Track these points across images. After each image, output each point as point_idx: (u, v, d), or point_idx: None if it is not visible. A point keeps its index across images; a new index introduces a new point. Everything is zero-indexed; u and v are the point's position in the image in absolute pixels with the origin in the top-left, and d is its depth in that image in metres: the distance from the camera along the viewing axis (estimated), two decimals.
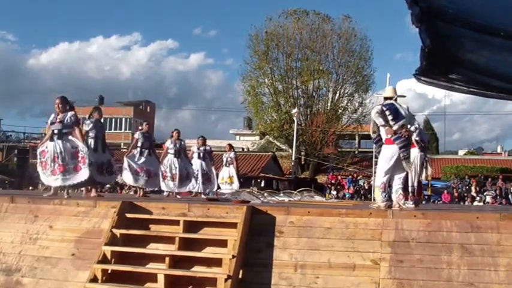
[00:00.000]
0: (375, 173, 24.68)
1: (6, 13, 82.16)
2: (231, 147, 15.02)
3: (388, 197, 6.55)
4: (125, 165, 10.07)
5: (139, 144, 10.30)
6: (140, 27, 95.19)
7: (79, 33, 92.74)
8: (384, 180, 6.51)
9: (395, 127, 6.50)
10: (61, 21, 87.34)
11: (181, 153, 11.48)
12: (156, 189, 12.20)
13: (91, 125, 8.80)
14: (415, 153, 8.06)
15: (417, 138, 8.28)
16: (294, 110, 32.28)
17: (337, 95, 36.45)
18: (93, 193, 8.75)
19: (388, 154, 6.56)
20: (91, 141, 8.67)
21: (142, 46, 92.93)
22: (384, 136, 6.63)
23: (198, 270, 5.55)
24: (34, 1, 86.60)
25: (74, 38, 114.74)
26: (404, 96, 7.77)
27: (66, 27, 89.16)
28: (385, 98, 6.85)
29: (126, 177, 10.13)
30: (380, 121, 6.54)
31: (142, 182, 10.23)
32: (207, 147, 12.69)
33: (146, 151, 10.29)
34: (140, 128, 10.88)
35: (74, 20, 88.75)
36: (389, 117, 6.52)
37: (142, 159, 10.25)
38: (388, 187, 6.60)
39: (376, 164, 23.39)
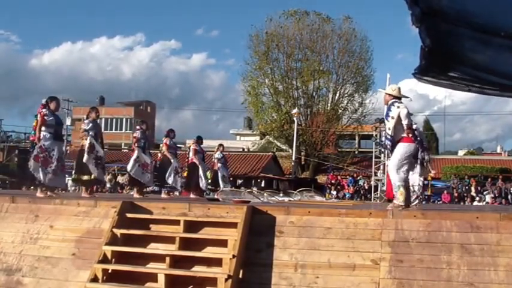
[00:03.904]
0: (375, 173, 24.58)
1: (10, 14, 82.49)
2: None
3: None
4: (135, 156, 10.20)
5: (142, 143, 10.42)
6: (144, 27, 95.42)
7: (83, 34, 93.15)
8: (405, 177, 6.51)
9: (414, 127, 6.64)
10: (65, 22, 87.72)
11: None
12: (156, 189, 12.22)
13: (90, 125, 8.87)
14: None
15: (418, 139, 8.34)
16: (294, 110, 32.31)
17: (337, 95, 36.47)
18: (87, 192, 8.84)
19: (406, 151, 6.55)
20: (92, 140, 8.73)
21: (144, 46, 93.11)
22: (400, 134, 6.59)
23: (199, 270, 5.56)
24: (38, 2, 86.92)
25: (78, 39, 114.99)
26: (407, 97, 7.63)
27: (70, 27, 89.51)
28: (393, 97, 6.78)
29: (132, 168, 10.21)
30: (408, 121, 6.51)
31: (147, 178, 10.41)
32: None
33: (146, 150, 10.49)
34: (138, 127, 10.87)
35: (78, 21, 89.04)
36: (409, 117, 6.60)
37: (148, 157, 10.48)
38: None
39: (376, 164, 23.22)
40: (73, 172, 9.11)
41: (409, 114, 6.58)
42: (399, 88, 6.90)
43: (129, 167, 10.26)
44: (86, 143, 8.65)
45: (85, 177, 8.74)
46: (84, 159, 8.59)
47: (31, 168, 7.87)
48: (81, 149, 8.85)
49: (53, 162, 8.01)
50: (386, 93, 6.87)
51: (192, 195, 12.13)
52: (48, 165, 7.98)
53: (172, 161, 11.35)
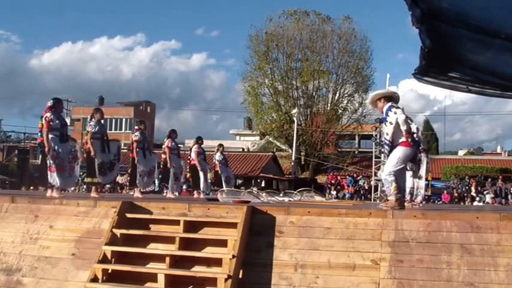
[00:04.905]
0: (375, 173, 24.60)
1: (10, 14, 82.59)
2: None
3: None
4: (139, 171, 10.12)
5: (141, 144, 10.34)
6: (144, 28, 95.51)
7: (83, 34, 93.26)
8: (397, 175, 6.52)
9: (414, 129, 6.65)
10: (65, 22, 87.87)
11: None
12: (156, 189, 12.23)
13: (97, 127, 8.81)
14: None
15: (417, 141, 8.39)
16: (294, 110, 32.34)
17: (337, 95, 36.52)
18: (93, 193, 8.81)
19: (403, 155, 6.53)
20: (97, 142, 8.71)
21: (145, 46, 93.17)
22: (399, 139, 6.56)
23: (198, 270, 5.56)
24: (40, 2, 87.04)
25: (78, 39, 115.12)
26: (396, 94, 7.62)
27: (70, 28, 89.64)
28: (387, 100, 6.74)
29: (142, 184, 10.21)
30: (407, 126, 6.48)
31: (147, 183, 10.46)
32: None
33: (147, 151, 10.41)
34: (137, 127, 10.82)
35: (79, 21, 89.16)
36: (409, 121, 6.61)
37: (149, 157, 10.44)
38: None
39: (376, 164, 23.27)
40: (84, 174, 9.12)
41: (407, 119, 6.54)
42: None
43: (138, 184, 10.20)
44: (96, 159, 8.65)
45: (96, 180, 8.77)
46: (98, 177, 8.66)
47: (50, 180, 7.93)
48: (88, 152, 8.77)
49: (65, 165, 8.05)
50: (376, 98, 6.81)
51: (195, 195, 12.16)
52: (64, 170, 8.05)
53: (173, 165, 11.34)
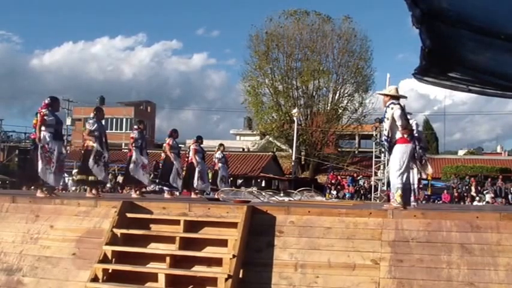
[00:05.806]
0: (375, 173, 24.60)
1: (11, 14, 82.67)
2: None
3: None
4: (134, 158, 10.11)
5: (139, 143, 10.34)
6: (146, 27, 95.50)
7: (84, 34, 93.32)
8: (404, 180, 6.54)
9: (414, 127, 6.69)
10: (67, 22, 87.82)
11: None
12: (156, 188, 12.23)
13: (95, 125, 8.83)
14: None
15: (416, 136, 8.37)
16: (294, 110, 32.32)
17: (337, 95, 36.48)
18: (88, 193, 8.83)
19: (403, 152, 6.57)
20: (98, 147, 8.72)
21: (146, 46, 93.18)
22: (398, 135, 6.62)
23: (199, 270, 5.57)
24: (41, 2, 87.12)
25: (79, 39, 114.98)
26: (406, 97, 7.71)
27: (71, 28, 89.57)
28: (391, 97, 6.80)
29: (136, 172, 10.15)
30: (402, 122, 6.54)
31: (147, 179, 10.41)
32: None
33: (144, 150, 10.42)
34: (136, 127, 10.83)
35: (80, 21, 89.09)
36: (406, 117, 6.66)
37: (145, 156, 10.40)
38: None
39: (376, 164, 23.30)
40: (75, 172, 9.12)
41: (403, 115, 6.61)
42: (396, 88, 6.97)
43: (132, 171, 10.18)
44: (94, 147, 8.62)
45: (90, 178, 8.73)
46: (90, 164, 8.57)
47: (38, 170, 7.88)
48: (86, 150, 8.81)
49: (54, 162, 8.03)
50: (383, 94, 6.96)
51: (193, 195, 12.16)
52: (50, 165, 8.01)
53: (174, 162, 11.36)
